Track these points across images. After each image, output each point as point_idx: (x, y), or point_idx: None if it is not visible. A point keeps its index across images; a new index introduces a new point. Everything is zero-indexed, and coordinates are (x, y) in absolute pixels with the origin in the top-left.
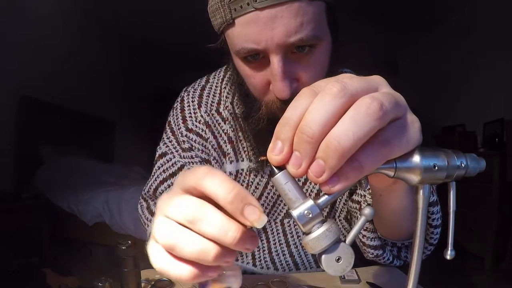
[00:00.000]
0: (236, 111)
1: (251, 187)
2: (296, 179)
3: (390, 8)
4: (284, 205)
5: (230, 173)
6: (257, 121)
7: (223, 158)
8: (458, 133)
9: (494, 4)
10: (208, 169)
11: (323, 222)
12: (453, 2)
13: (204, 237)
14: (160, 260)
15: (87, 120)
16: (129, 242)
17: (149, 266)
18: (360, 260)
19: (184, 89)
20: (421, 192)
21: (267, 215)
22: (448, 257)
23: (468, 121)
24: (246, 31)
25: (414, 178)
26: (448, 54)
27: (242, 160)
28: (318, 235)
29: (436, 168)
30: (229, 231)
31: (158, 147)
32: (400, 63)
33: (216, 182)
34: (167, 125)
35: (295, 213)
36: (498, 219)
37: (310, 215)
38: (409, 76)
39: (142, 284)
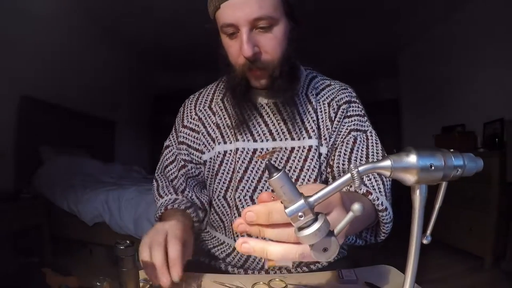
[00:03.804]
0: (226, 103)
1: (237, 163)
2: (292, 179)
3: (390, 7)
4: None
5: (219, 152)
6: (233, 78)
7: (212, 143)
8: (458, 133)
9: (494, 4)
10: (148, 245)
11: (314, 220)
12: (453, 1)
13: None
14: None
15: (87, 120)
16: (128, 242)
17: None
18: (360, 260)
19: (188, 97)
20: (417, 192)
21: (254, 190)
22: (424, 241)
23: (468, 121)
24: (227, 12)
25: (411, 178)
26: (448, 54)
27: (231, 143)
28: (308, 234)
29: (433, 168)
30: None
31: (165, 141)
32: (400, 62)
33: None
34: (174, 124)
35: (287, 211)
36: (498, 219)
37: (302, 217)
38: (409, 76)
39: (141, 284)
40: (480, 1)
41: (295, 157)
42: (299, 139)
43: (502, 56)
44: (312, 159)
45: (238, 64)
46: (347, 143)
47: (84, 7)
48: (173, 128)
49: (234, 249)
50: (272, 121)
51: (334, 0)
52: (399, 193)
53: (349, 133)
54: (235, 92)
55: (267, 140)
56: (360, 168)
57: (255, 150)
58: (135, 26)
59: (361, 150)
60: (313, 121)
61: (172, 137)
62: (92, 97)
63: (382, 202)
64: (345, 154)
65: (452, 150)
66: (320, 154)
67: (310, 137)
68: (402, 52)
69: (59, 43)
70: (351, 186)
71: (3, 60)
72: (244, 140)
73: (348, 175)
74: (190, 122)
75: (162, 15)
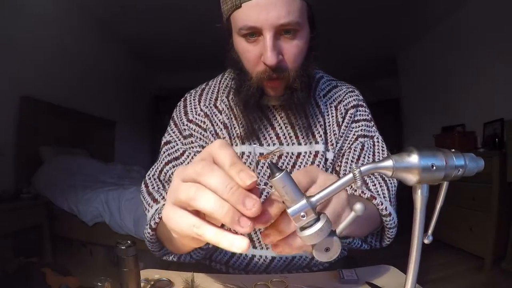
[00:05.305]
0: (231, 102)
1: None
2: (292, 179)
3: (390, 7)
4: None
5: None
6: (248, 88)
7: None
8: (458, 133)
9: (494, 4)
10: (204, 164)
11: (316, 220)
12: (453, 1)
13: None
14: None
15: (87, 120)
16: (129, 242)
17: (148, 266)
18: (361, 260)
19: (187, 92)
20: (419, 192)
21: (259, 196)
22: (426, 241)
23: (468, 121)
24: (249, 13)
25: (412, 178)
26: (448, 54)
27: (236, 145)
28: (310, 234)
29: (434, 168)
30: (228, 185)
31: (163, 137)
32: (400, 63)
33: (214, 177)
34: (171, 120)
35: (289, 211)
36: (498, 219)
37: (305, 217)
38: (409, 76)
39: (142, 284)
40: (480, 2)
41: (301, 162)
42: (306, 144)
43: (502, 56)
44: (318, 165)
45: (255, 71)
46: (354, 150)
47: (84, 6)
48: (172, 124)
49: (234, 254)
50: (280, 126)
51: (334, 1)
52: (399, 193)
53: (356, 139)
54: (248, 103)
55: (274, 144)
56: (362, 168)
57: (261, 155)
58: (135, 26)
59: (368, 156)
60: (320, 125)
61: (173, 132)
62: (92, 97)
63: (386, 207)
64: (352, 161)
65: (453, 150)
66: (326, 160)
67: (317, 142)
68: (402, 52)
69: (59, 43)
70: (355, 190)
71: (3, 60)
72: (250, 144)
73: (350, 175)
74: (196, 118)
75: (162, 14)
